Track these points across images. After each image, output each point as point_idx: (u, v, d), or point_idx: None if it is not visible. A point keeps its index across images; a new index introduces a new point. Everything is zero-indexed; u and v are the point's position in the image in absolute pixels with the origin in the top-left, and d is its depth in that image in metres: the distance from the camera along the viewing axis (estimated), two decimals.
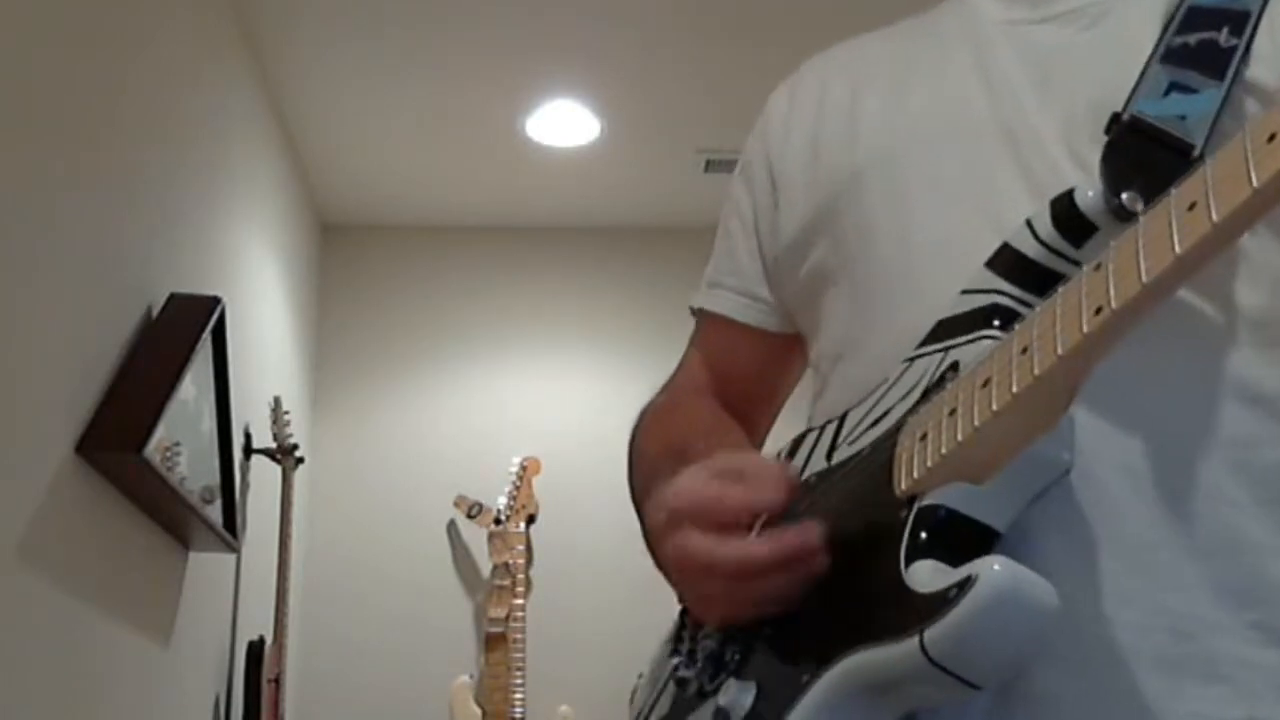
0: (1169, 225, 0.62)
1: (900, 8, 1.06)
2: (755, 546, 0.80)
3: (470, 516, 3.92)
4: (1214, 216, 0.59)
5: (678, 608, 0.97)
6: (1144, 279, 0.62)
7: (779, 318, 1.06)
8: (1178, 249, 0.61)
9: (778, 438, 1.07)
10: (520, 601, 3.79)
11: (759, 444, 1.12)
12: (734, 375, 1.10)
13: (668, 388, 1.14)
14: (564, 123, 3.63)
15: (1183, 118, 0.78)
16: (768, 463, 0.88)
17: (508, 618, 3.76)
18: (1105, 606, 0.76)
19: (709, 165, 3.79)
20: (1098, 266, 0.67)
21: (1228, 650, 0.75)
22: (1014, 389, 0.69)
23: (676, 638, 0.95)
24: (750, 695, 0.81)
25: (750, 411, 1.11)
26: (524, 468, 3.94)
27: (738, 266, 1.08)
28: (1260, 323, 0.80)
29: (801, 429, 0.96)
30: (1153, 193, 0.68)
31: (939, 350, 0.80)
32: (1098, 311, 0.65)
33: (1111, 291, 0.64)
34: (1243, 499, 0.77)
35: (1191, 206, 0.61)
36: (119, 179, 2.24)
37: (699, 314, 1.13)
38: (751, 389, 1.11)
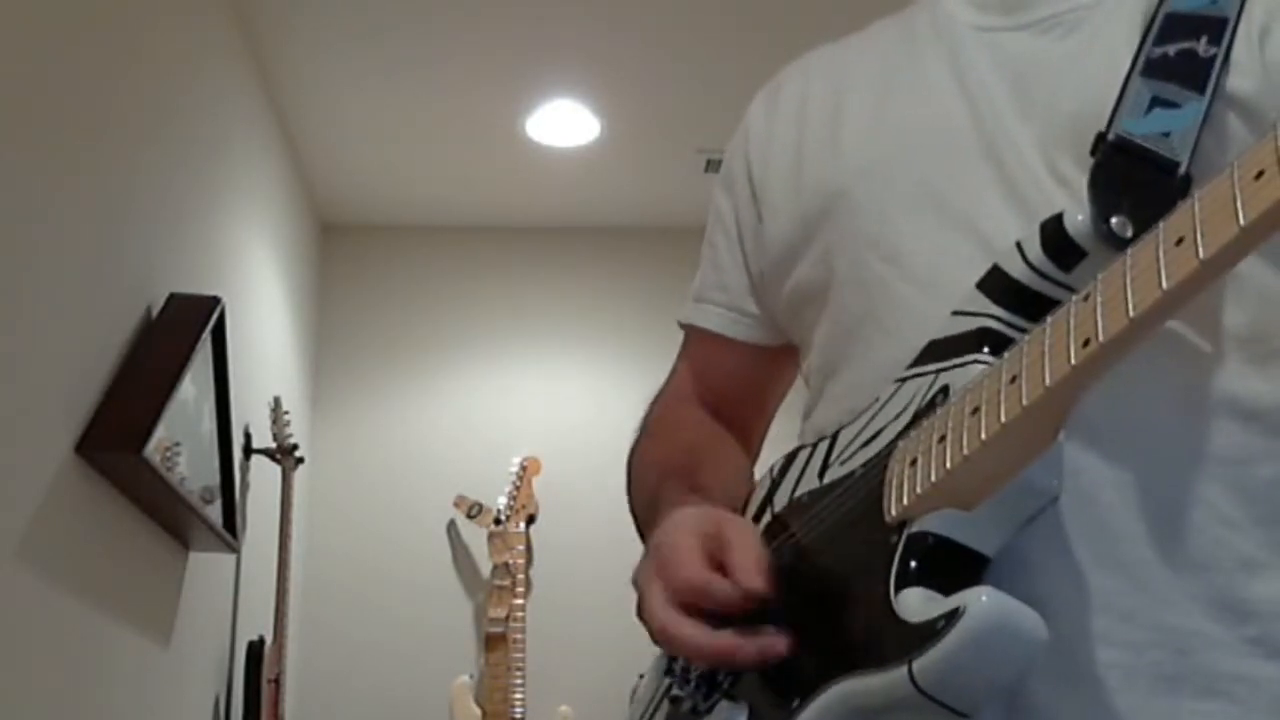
0: (1157, 260, 0.62)
1: (899, 8, 1.06)
2: (687, 635, 0.81)
3: (470, 516, 3.92)
4: (1202, 254, 0.60)
5: None
6: (1131, 314, 0.63)
7: (766, 331, 1.06)
8: (1165, 284, 0.61)
9: (776, 440, 1.07)
10: (520, 601, 3.79)
11: (753, 451, 1.12)
12: (724, 388, 1.11)
13: (660, 401, 1.14)
14: (564, 123, 3.63)
15: (1167, 134, 0.77)
16: (754, 553, 0.85)
17: (508, 618, 3.76)
18: (1102, 624, 0.76)
19: (709, 165, 3.78)
20: (1086, 297, 0.67)
21: (1225, 665, 0.75)
22: (1003, 419, 0.69)
23: (671, 655, 0.95)
24: (742, 717, 0.81)
25: (742, 421, 1.11)
26: (524, 468, 3.94)
27: (723, 280, 1.08)
28: (1249, 339, 0.80)
29: (796, 433, 0.96)
30: (1141, 214, 0.69)
31: (929, 372, 0.80)
32: (1085, 344, 0.65)
33: (1100, 324, 0.65)
34: (1237, 516, 0.77)
35: (1179, 241, 0.61)
36: (119, 179, 2.24)
37: (686, 328, 1.13)
38: (742, 401, 1.11)
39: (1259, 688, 0.75)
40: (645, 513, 0.99)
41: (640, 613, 0.87)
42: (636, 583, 0.88)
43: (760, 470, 0.99)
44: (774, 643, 0.79)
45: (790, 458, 0.93)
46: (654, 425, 1.11)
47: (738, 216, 1.07)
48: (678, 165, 3.82)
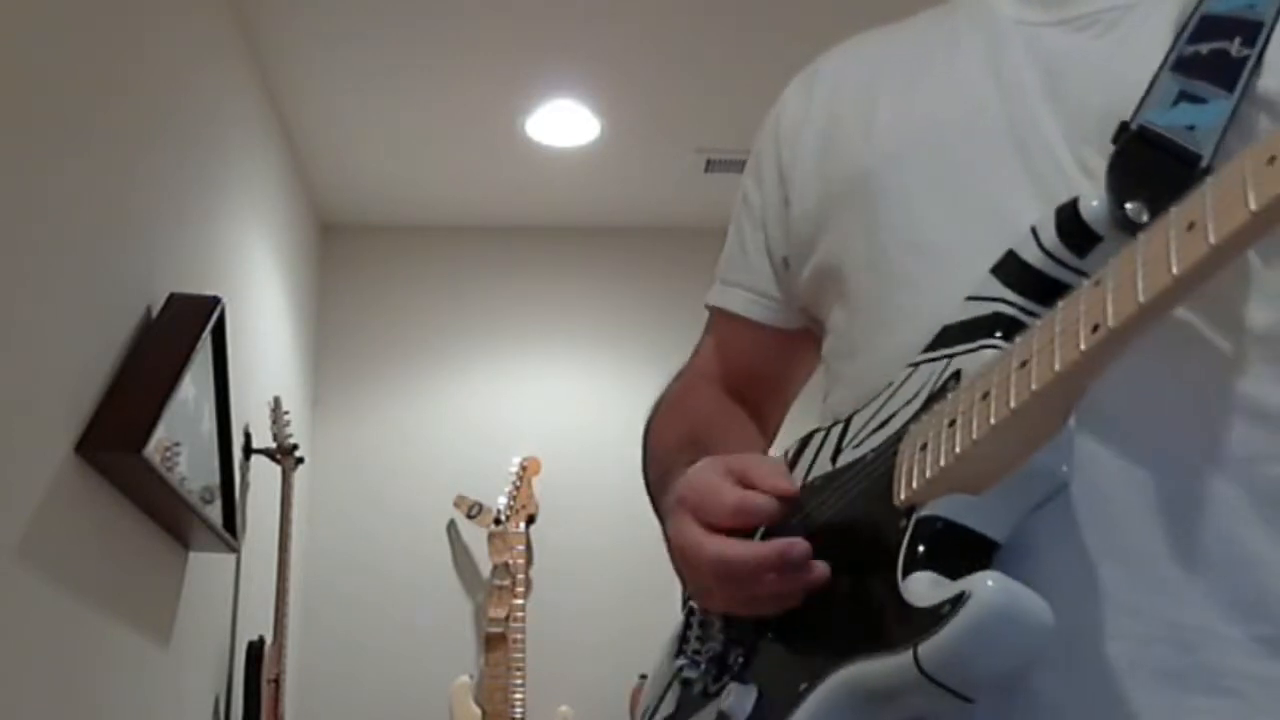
0: (1167, 245, 0.62)
1: (903, 8, 1.06)
2: (736, 547, 0.83)
3: (470, 517, 3.92)
4: (1211, 239, 0.60)
5: (682, 608, 0.98)
6: (1141, 299, 0.63)
7: (788, 314, 1.07)
8: (1175, 269, 0.61)
9: (792, 428, 1.07)
10: (520, 601, 3.79)
11: (770, 436, 1.14)
12: (744, 370, 1.12)
13: (681, 376, 1.15)
14: (564, 123, 3.63)
15: (1191, 128, 0.77)
16: (772, 466, 0.89)
17: (508, 618, 3.76)
18: (1109, 617, 0.76)
19: (709, 165, 3.79)
20: (1097, 283, 0.67)
21: (1231, 663, 0.75)
22: (1011, 404, 0.69)
23: (682, 638, 0.96)
24: (751, 699, 0.82)
25: (761, 405, 1.12)
26: (524, 468, 3.94)
27: (748, 263, 1.09)
28: (1268, 339, 0.80)
29: (815, 422, 0.96)
30: (1158, 203, 0.69)
31: (942, 357, 0.81)
32: (1095, 329, 0.65)
33: (1109, 310, 0.65)
34: (1249, 513, 0.77)
35: (1190, 226, 0.61)
36: (119, 179, 2.24)
37: (710, 309, 1.14)
38: (762, 383, 1.12)
39: (1269, 686, 0.75)
40: (660, 480, 1.01)
41: (679, 560, 0.89)
42: (668, 537, 0.91)
43: (775, 453, 1.00)
44: (807, 554, 0.80)
45: (804, 441, 0.93)
46: (672, 398, 1.13)
47: (764, 200, 1.08)
48: (678, 165, 3.82)
